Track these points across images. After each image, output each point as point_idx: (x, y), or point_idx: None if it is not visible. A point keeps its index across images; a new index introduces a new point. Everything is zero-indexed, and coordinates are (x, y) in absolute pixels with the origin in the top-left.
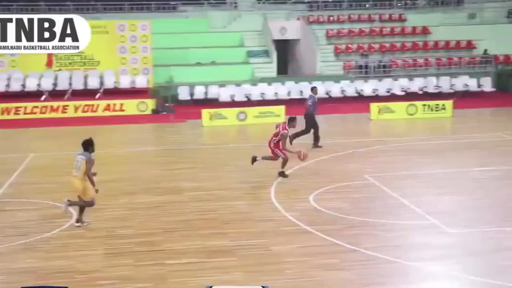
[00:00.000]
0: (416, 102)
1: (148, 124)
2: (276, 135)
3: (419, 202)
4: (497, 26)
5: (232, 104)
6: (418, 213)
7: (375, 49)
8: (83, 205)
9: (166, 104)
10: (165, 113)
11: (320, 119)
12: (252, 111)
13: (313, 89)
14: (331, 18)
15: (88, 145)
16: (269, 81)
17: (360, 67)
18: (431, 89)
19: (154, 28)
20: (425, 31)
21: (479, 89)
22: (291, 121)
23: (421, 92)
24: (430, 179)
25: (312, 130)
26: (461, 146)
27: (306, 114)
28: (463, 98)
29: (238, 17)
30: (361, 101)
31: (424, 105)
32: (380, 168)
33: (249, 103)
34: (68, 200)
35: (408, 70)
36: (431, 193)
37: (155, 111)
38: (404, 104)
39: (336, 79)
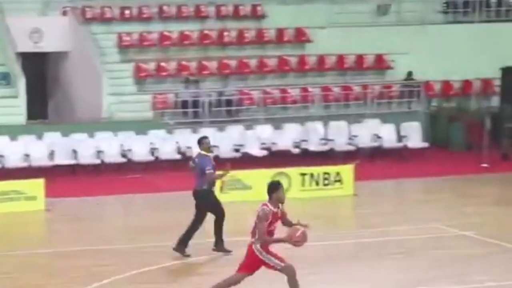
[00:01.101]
0: (288, 170)
1: None
2: (253, 232)
3: None
4: (428, 29)
5: None
6: None
7: (210, 71)
8: None
9: None
10: None
11: (116, 202)
12: None
13: (202, 142)
14: (127, 12)
15: None
16: (13, 132)
17: (184, 104)
18: (314, 145)
19: None
20: (300, 37)
21: (399, 144)
22: (275, 190)
23: (297, 151)
24: None
25: (205, 218)
26: (370, 249)
27: (196, 190)
28: (372, 161)
29: None
30: (190, 168)
31: (303, 174)
32: None
33: None
34: None
35: (272, 109)
36: None
37: None
38: (267, 173)
39: (140, 127)
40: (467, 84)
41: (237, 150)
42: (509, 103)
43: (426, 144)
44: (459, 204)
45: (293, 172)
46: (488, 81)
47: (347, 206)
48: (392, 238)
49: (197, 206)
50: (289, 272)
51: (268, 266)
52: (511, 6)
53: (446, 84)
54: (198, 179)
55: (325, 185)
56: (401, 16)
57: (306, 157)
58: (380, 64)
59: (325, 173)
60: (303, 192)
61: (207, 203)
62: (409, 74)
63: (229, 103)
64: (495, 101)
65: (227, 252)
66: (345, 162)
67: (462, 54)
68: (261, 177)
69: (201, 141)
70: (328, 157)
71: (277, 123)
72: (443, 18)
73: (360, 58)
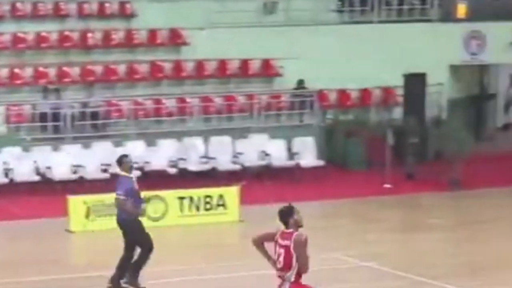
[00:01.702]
0: (163, 193)
1: None
2: (289, 265)
3: None
4: (321, 30)
5: None
6: None
7: (72, 79)
8: None
9: None
10: None
11: None
12: None
13: (122, 161)
14: None
15: None
16: None
17: (43, 117)
18: (194, 164)
19: None
20: (175, 39)
21: (291, 163)
22: (291, 214)
23: (173, 171)
24: None
25: (135, 249)
26: (259, 283)
27: (122, 219)
28: (260, 182)
29: None
30: (50, 192)
31: (182, 198)
32: None
33: None
34: None
35: (144, 123)
36: None
37: None
38: None
39: None
40: (366, 93)
41: (104, 170)
42: (414, 114)
43: (321, 162)
44: (359, 230)
45: (170, 195)
46: (389, 90)
47: (232, 233)
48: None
49: (126, 237)
50: None
51: None
52: (414, 5)
53: (343, 94)
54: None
55: (206, 210)
56: (290, 15)
57: (184, 178)
58: (268, 70)
59: (207, 196)
60: (181, 218)
61: (134, 231)
62: (300, 82)
63: (94, 115)
64: (397, 113)
65: None
66: (230, 183)
67: (360, 59)
68: None
69: (122, 160)
70: (210, 177)
71: (150, 139)
72: (337, 18)
73: (244, 63)
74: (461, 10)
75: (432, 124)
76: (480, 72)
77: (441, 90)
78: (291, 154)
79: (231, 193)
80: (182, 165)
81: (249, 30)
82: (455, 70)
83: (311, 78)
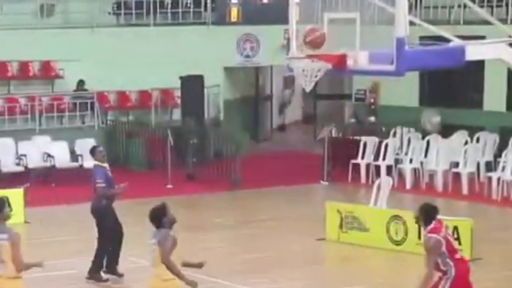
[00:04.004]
0: None
1: None
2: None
3: None
4: (99, 32)
5: None
6: None
7: None
8: None
9: None
10: None
11: None
12: None
13: (95, 152)
14: None
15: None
16: None
17: None
18: None
19: None
20: None
21: (74, 164)
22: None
23: None
24: None
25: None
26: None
27: (95, 208)
28: (45, 184)
29: None
30: None
31: None
32: None
33: None
34: None
35: None
36: None
37: None
38: None
39: None
40: (145, 95)
41: None
42: (193, 116)
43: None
44: (144, 231)
45: None
46: (168, 92)
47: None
48: (66, 272)
49: (98, 225)
50: None
51: None
52: (189, 7)
53: (123, 95)
54: (94, 194)
55: None
56: (68, 18)
57: None
58: (48, 72)
59: None
60: None
61: (104, 221)
62: (80, 82)
63: None
64: (177, 114)
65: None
66: (14, 185)
67: (139, 61)
68: None
69: (94, 151)
70: None
71: None
72: (114, 21)
73: (24, 65)
74: (234, 13)
75: (211, 125)
76: (255, 74)
77: (218, 92)
78: (74, 156)
79: (16, 195)
80: None
81: (28, 32)
82: (230, 72)
83: (92, 80)
